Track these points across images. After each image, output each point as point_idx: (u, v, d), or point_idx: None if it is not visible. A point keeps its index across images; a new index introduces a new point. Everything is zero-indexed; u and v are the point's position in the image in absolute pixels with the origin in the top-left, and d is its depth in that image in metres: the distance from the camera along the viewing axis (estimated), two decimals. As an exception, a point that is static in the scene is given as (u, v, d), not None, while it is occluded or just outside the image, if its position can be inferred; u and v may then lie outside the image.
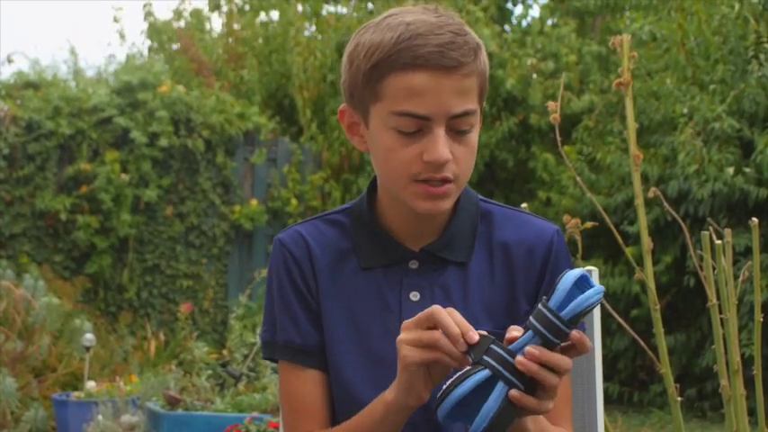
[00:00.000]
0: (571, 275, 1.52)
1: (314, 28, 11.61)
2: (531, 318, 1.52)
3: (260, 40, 11.77)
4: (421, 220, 1.80)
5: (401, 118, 1.70)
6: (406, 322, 1.60)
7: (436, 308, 1.57)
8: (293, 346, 1.83)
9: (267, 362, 6.32)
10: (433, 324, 1.56)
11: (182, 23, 12.76)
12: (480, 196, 1.90)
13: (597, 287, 1.51)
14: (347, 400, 1.80)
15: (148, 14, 12.45)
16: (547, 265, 1.82)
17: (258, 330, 6.76)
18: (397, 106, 1.69)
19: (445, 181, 1.71)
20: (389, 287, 1.81)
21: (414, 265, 1.82)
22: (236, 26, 12.23)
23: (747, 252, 7.35)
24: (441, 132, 1.69)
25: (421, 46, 1.67)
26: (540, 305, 1.52)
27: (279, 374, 1.88)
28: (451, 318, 1.56)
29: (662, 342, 2.56)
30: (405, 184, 1.73)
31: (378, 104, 1.73)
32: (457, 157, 1.71)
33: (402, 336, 1.59)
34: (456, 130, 1.70)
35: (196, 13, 12.86)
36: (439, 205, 1.73)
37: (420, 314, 1.58)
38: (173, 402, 5.78)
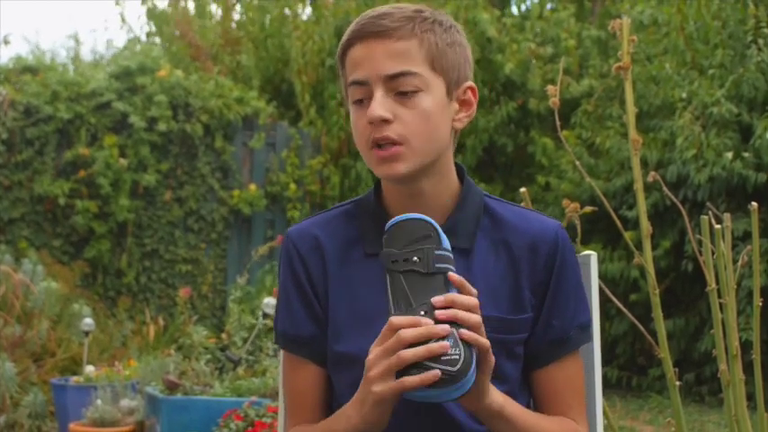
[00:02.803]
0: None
1: (310, 11, 11.58)
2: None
3: (256, 26, 11.74)
4: (420, 207, 1.81)
5: (350, 89, 1.81)
6: (369, 359, 1.60)
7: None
8: (287, 335, 1.89)
9: (265, 346, 6.36)
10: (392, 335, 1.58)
11: (182, 7, 12.72)
12: (485, 192, 1.92)
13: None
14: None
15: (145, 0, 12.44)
16: (554, 258, 1.85)
17: (256, 313, 6.78)
18: (348, 79, 1.81)
19: (390, 142, 1.75)
20: None
21: None
22: (233, 12, 12.21)
23: (746, 237, 7.35)
24: (378, 94, 1.75)
25: (359, 22, 1.81)
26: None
27: (281, 362, 1.94)
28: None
29: (661, 327, 2.56)
30: (366, 152, 1.80)
31: (346, 89, 1.85)
32: (402, 120, 1.75)
33: (371, 372, 1.59)
34: (398, 92, 1.76)
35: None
36: (392, 168, 1.76)
37: (377, 354, 1.59)
38: (172, 387, 5.78)
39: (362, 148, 1.80)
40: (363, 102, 1.78)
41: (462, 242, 1.83)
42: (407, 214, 1.65)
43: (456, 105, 1.83)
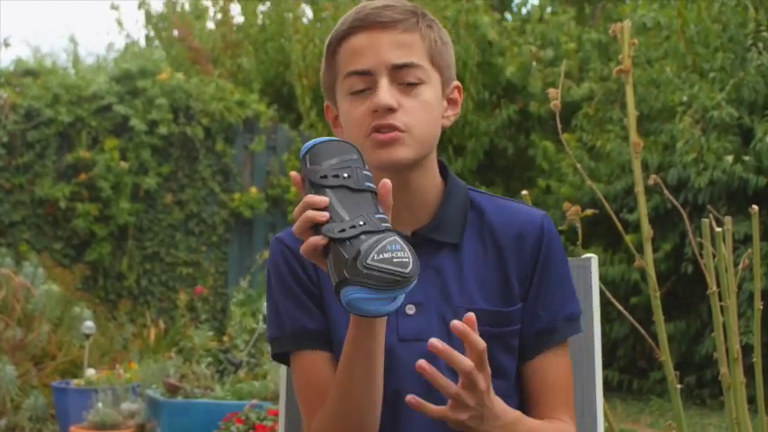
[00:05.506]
0: None
1: (311, 16, 11.59)
2: None
3: (256, 28, 11.74)
4: (408, 200, 1.82)
5: (349, 79, 1.79)
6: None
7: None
8: (305, 331, 1.82)
9: (267, 349, 6.34)
10: None
11: (179, 10, 12.72)
12: (469, 186, 1.93)
13: None
14: None
15: (143, 3, 12.43)
16: (540, 248, 1.86)
17: (259, 316, 6.77)
18: (345, 70, 1.80)
19: (393, 128, 1.75)
20: None
21: None
22: (232, 13, 12.22)
23: (747, 240, 7.35)
24: (384, 82, 1.76)
25: (360, 12, 1.80)
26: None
27: (292, 368, 1.85)
28: None
29: (662, 329, 2.56)
30: (362, 140, 1.76)
31: (337, 81, 1.83)
32: (406, 109, 1.76)
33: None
34: (403, 83, 1.77)
35: (194, 1, 12.83)
36: (391, 153, 1.76)
37: None
38: (172, 390, 5.78)
39: (359, 135, 1.77)
40: (364, 92, 1.78)
41: (451, 237, 1.85)
42: (328, 137, 1.61)
43: (445, 103, 1.86)
